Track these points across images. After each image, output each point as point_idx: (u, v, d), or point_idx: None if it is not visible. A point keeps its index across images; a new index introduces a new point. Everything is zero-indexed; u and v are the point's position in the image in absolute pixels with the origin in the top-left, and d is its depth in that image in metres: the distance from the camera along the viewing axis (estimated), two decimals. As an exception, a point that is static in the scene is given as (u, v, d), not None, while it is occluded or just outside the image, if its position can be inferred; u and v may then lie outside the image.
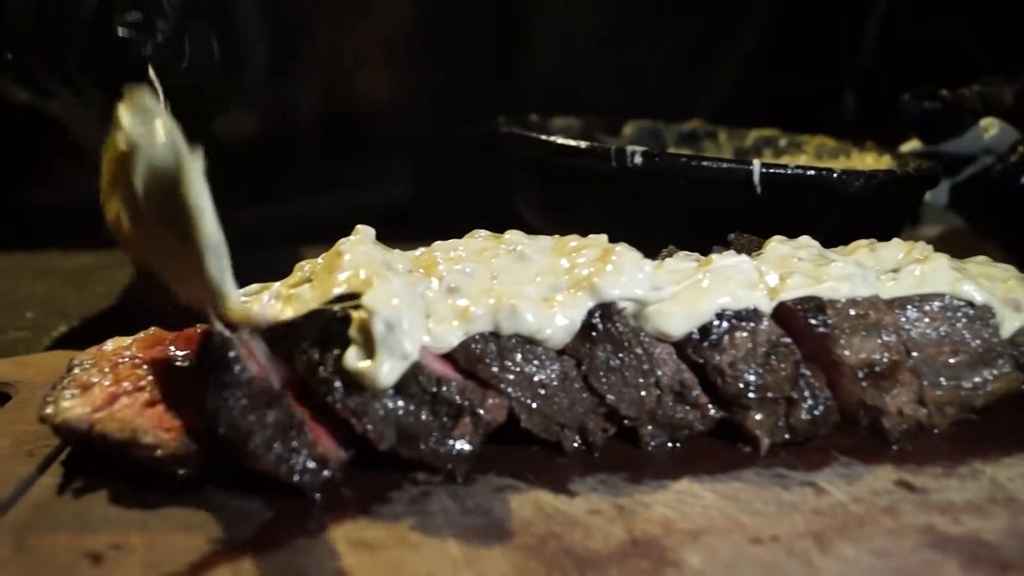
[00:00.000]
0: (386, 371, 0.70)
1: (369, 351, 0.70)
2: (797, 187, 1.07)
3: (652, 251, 0.84)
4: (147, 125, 0.67)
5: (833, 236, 0.92)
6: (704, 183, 1.08)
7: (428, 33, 1.66)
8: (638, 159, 1.09)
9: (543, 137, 1.20)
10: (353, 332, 0.71)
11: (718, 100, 1.77)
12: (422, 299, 0.76)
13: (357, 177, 1.82)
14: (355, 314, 0.71)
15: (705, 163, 1.09)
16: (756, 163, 1.07)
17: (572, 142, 1.16)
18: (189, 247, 0.66)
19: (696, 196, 1.09)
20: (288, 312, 0.74)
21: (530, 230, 0.89)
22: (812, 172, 1.07)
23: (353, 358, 0.70)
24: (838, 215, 1.07)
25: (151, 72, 0.94)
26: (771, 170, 1.06)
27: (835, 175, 1.07)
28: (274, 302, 0.77)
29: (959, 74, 1.31)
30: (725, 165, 1.09)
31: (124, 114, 0.68)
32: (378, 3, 1.64)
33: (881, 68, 1.79)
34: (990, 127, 1.24)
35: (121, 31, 0.96)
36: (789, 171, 1.07)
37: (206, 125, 1.11)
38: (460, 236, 0.88)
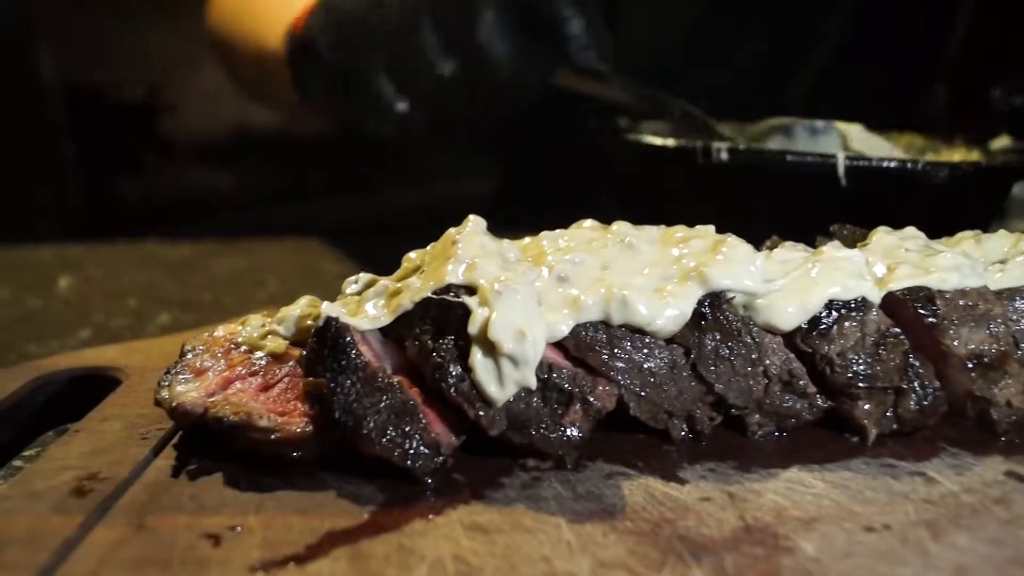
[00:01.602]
0: (510, 393, 0.71)
1: (493, 368, 0.71)
2: (882, 179, 1.07)
3: (748, 240, 0.84)
4: None
5: (920, 228, 0.91)
6: (790, 176, 1.09)
7: None
8: (724, 155, 1.10)
9: (633, 138, 1.23)
10: (476, 341, 0.71)
11: (805, 96, 1.76)
12: (535, 287, 0.76)
13: (445, 169, 1.85)
14: (477, 312, 0.71)
15: (790, 157, 1.09)
16: (840, 155, 1.07)
17: (660, 141, 1.18)
18: None
19: (783, 188, 1.10)
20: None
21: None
22: (895, 164, 1.07)
23: (482, 372, 0.70)
24: (923, 207, 1.07)
25: None
26: (855, 162, 1.06)
27: (920, 166, 1.07)
28: (381, 301, 0.77)
29: None
30: (810, 159, 1.09)
31: None
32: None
33: (972, 61, 1.77)
34: None
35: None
36: (873, 163, 1.07)
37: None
38: (548, 229, 0.89)
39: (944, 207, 1.06)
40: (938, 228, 0.93)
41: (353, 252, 1.41)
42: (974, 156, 1.31)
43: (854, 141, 1.28)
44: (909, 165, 1.08)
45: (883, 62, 1.76)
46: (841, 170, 1.07)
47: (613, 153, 1.31)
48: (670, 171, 1.19)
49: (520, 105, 1.31)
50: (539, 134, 1.68)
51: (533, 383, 0.71)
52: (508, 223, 1.00)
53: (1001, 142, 1.33)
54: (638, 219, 0.88)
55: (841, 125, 1.31)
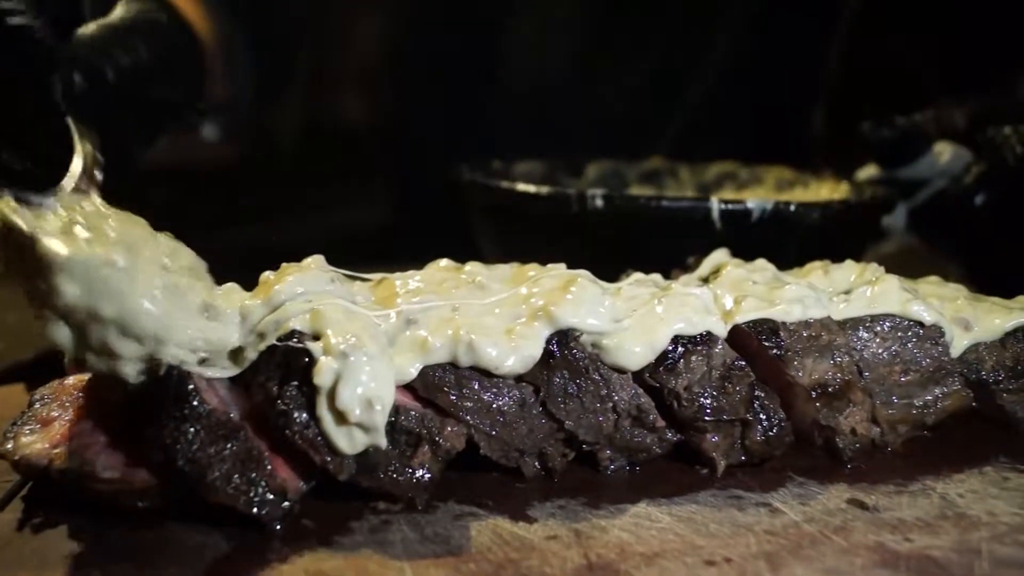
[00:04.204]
0: (359, 449, 0.71)
1: (343, 428, 0.70)
2: (756, 221, 1.09)
3: (613, 278, 0.85)
4: None
5: (797, 262, 0.94)
6: (665, 222, 1.10)
7: (404, 65, 1.69)
8: (599, 202, 1.11)
9: (505, 185, 1.22)
10: (321, 393, 0.70)
11: (681, 132, 1.78)
12: (384, 336, 0.76)
13: (331, 200, 1.82)
14: (322, 362, 0.70)
15: (664, 203, 1.12)
16: (714, 201, 1.09)
17: (533, 188, 1.18)
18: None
19: (659, 234, 1.11)
20: None
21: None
22: (768, 207, 1.09)
23: (330, 426, 0.70)
24: (798, 245, 1.09)
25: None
26: (729, 206, 1.08)
27: (792, 208, 1.09)
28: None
29: (915, 97, 1.33)
30: (685, 204, 1.12)
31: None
32: (355, 33, 1.66)
33: (844, 94, 1.81)
34: (944, 152, 1.27)
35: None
36: (746, 207, 1.09)
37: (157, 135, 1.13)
38: (429, 260, 0.89)
39: (818, 244, 1.07)
40: (816, 259, 0.95)
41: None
42: (842, 188, 1.34)
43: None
44: (781, 207, 1.10)
45: (759, 94, 1.79)
46: (715, 215, 1.09)
47: (484, 201, 1.28)
48: (544, 218, 1.19)
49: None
50: (421, 166, 1.67)
51: (383, 444, 0.71)
52: (393, 255, 0.99)
53: (868, 171, 1.37)
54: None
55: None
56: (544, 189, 1.18)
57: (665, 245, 1.08)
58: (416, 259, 0.90)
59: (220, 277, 0.79)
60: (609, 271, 0.87)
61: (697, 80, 1.80)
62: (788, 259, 0.95)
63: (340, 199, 1.84)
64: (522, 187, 1.20)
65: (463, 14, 1.60)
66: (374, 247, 1.04)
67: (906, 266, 0.94)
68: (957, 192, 1.25)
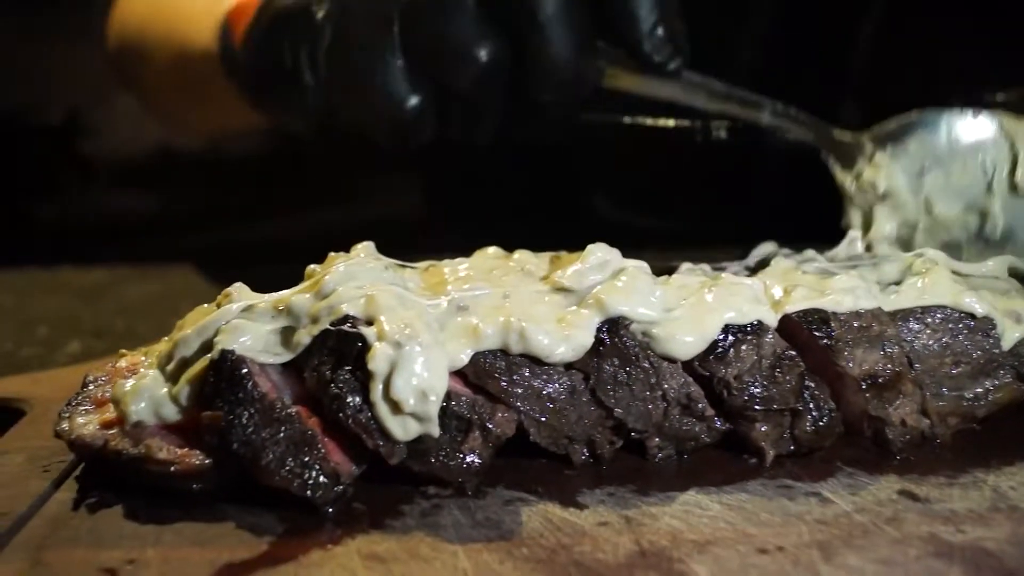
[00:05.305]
0: (412, 436, 0.71)
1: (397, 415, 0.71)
2: None
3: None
4: None
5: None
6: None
7: None
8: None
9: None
10: (375, 378, 0.70)
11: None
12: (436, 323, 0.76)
13: (367, 190, 1.81)
14: (376, 348, 0.71)
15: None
16: None
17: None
18: None
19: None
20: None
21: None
22: None
23: (383, 412, 0.70)
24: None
25: None
26: None
27: None
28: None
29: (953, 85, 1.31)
30: None
31: None
32: None
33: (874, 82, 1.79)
34: None
35: None
36: None
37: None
38: (469, 249, 0.89)
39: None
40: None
41: (273, 276, 1.39)
42: None
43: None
44: None
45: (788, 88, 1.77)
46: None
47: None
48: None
49: (561, 114, 1.09)
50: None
51: (436, 433, 0.71)
52: (438, 246, 0.99)
53: None
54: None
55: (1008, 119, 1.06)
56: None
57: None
58: (452, 249, 0.90)
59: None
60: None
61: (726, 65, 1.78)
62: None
63: (375, 190, 1.83)
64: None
65: None
66: (409, 238, 1.03)
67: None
68: None
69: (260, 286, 0.80)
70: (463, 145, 1.06)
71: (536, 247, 0.90)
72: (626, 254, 0.83)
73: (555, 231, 0.95)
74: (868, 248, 0.98)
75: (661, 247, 1.04)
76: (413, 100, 1.00)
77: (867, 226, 0.99)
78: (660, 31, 0.97)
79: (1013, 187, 0.97)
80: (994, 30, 1.33)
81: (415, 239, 1.03)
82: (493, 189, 1.59)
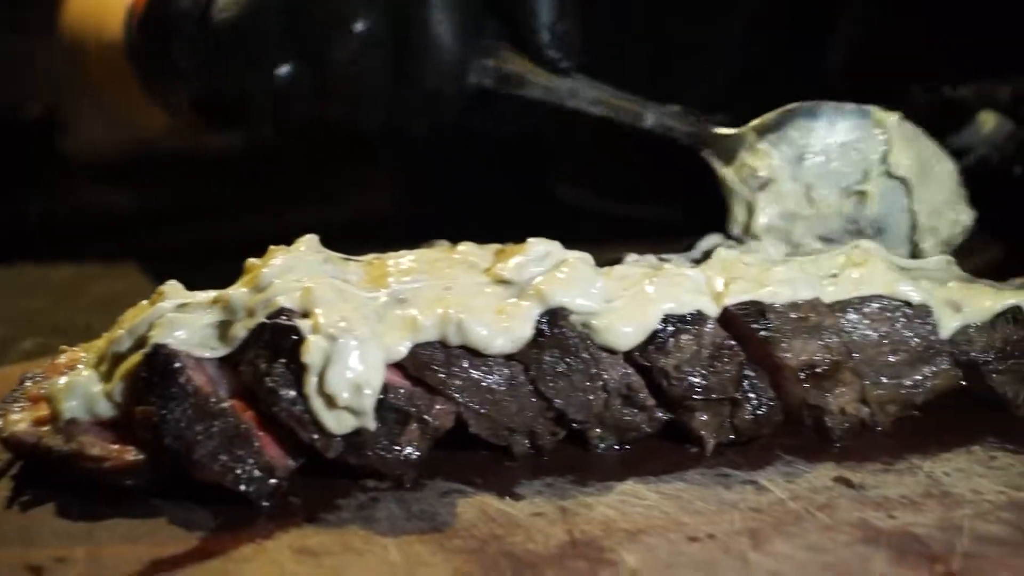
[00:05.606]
0: (347, 430, 0.71)
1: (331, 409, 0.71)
2: None
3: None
4: None
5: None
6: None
7: None
8: None
9: None
10: (310, 372, 0.70)
11: (700, 105, 1.75)
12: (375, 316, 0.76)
13: (344, 186, 1.80)
14: (311, 341, 0.71)
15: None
16: None
17: None
18: None
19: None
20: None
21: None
22: None
23: (318, 406, 0.70)
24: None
25: None
26: None
27: None
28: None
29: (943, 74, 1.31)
30: None
31: None
32: None
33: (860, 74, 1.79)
34: (988, 120, 1.25)
35: None
36: None
37: None
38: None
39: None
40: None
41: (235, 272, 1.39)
42: None
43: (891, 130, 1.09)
44: None
45: (771, 81, 1.76)
46: None
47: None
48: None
49: (442, 117, 1.05)
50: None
51: (372, 427, 0.71)
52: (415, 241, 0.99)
53: None
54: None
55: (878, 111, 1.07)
56: None
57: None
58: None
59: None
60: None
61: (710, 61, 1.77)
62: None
63: (345, 186, 1.83)
64: None
65: None
66: (380, 235, 1.03)
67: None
68: (1000, 161, 1.23)
69: (230, 283, 0.79)
70: (405, 135, 1.05)
71: (515, 239, 0.89)
72: (605, 245, 0.83)
73: (529, 222, 0.94)
74: (744, 237, 0.98)
75: (637, 237, 1.05)
76: (283, 69, 0.98)
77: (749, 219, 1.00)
78: (558, 26, 0.98)
79: (886, 173, 0.98)
80: (956, 27, 1.35)
81: (392, 234, 1.02)
82: (470, 183, 1.59)
